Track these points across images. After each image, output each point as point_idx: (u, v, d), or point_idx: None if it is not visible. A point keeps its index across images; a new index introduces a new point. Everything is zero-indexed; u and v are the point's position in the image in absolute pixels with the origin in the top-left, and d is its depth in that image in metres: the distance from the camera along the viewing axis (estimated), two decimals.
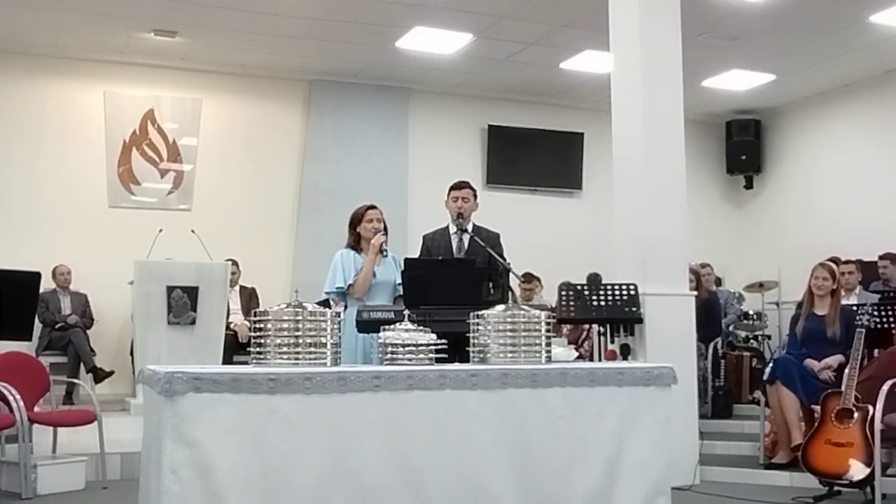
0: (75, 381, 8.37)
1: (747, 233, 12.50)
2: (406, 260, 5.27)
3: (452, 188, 5.88)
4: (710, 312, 8.08)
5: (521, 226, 9.85)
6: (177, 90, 10.52)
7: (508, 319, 4.02)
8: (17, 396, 5.58)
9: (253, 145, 10.76)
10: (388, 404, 3.61)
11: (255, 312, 3.81)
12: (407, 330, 3.92)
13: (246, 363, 3.98)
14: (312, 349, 3.70)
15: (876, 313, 6.26)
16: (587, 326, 7.93)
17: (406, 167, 11.17)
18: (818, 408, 5.76)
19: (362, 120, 10.99)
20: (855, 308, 6.42)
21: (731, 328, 9.64)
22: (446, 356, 3.96)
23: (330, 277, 5.49)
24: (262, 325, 3.72)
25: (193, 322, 8.17)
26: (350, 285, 5.42)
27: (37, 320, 7.92)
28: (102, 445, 6.00)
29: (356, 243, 5.56)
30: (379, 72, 10.73)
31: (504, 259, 5.58)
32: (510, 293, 5.21)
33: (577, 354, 7.58)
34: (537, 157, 11.66)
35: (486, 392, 3.76)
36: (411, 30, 9.38)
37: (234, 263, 9.34)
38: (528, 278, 9.21)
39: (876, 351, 6.31)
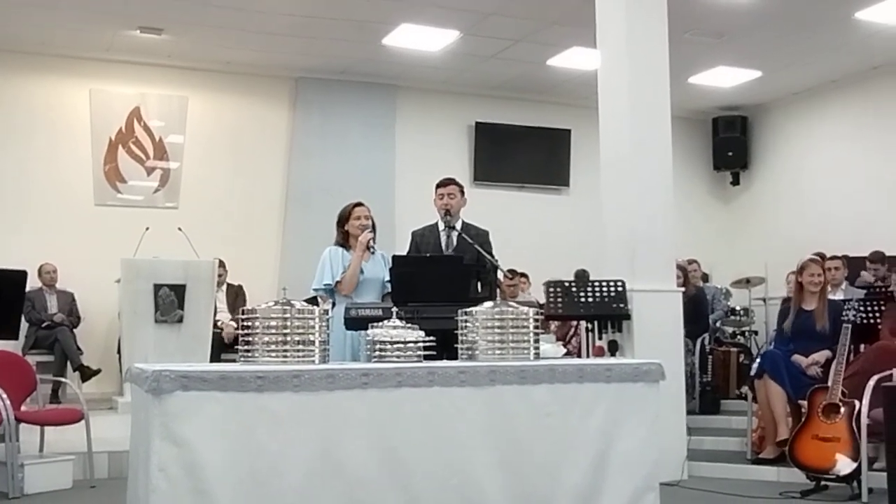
0: (62, 379, 8.34)
1: (734, 229, 12.54)
2: (394, 257, 5.27)
3: (438, 185, 5.88)
4: (698, 308, 8.10)
5: (509, 223, 9.85)
6: (163, 88, 10.48)
7: (496, 316, 4.02)
8: (4, 396, 5.55)
9: (239, 143, 10.72)
10: (377, 402, 3.61)
11: (242, 310, 3.80)
12: (395, 327, 3.91)
13: (233, 361, 3.97)
14: (300, 347, 3.70)
15: (862, 308, 6.30)
16: (575, 323, 7.94)
17: (393, 164, 11.15)
18: (805, 403, 5.79)
19: (349, 117, 10.97)
20: (842, 303, 6.45)
21: (718, 324, 9.66)
22: (434, 353, 3.96)
23: (318, 274, 5.48)
24: (249, 323, 3.71)
25: (181, 320, 8.14)
26: (338, 282, 5.42)
27: (23, 319, 7.90)
28: (90, 444, 5.98)
29: (344, 241, 5.56)
30: (366, 69, 10.71)
31: (493, 256, 5.59)
32: (498, 290, 5.21)
33: (564, 351, 7.62)
34: (524, 154, 11.66)
35: (474, 389, 3.77)
36: (398, 27, 9.37)
37: (221, 264, 9.30)
38: (513, 275, 9.21)
39: (862, 346, 6.35)
